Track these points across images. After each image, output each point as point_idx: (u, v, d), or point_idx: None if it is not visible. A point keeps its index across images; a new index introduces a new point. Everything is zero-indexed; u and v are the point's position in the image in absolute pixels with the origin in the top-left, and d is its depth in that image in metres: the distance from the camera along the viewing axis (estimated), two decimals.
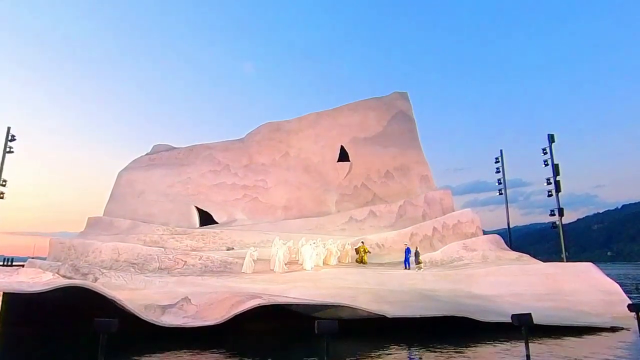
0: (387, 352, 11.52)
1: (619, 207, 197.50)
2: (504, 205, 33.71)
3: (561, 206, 28.62)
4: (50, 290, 12.41)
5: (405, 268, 19.04)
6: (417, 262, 19.18)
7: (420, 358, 11.12)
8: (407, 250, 19.76)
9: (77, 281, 14.08)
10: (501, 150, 33.87)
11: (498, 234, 26.49)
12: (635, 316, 10.51)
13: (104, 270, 17.13)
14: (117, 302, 12.72)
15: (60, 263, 18.87)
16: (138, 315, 12.51)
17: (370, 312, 13.76)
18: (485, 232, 26.55)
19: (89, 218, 27.24)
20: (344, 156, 28.82)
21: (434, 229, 23.68)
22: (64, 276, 16.11)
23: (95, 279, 16.15)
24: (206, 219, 26.47)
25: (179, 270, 18.60)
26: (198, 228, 24.96)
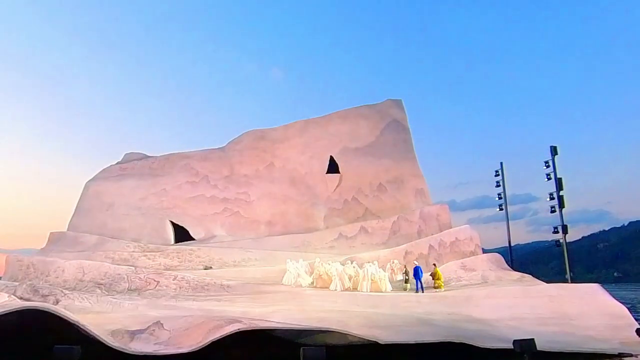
0: None
1: (625, 224, 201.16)
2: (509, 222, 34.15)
3: (569, 223, 29.22)
4: (5, 314, 12.06)
5: (417, 291, 18.70)
6: (436, 283, 19.19)
7: None
8: (417, 270, 19.23)
9: (36, 303, 13.73)
10: (501, 163, 34.40)
11: (501, 252, 26.72)
12: None
13: (67, 291, 16.76)
14: (81, 327, 12.40)
15: (17, 283, 18.42)
16: (104, 341, 12.20)
17: (361, 338, 13.66)
18: (487, 251, 26.77)
19: (51, 233, 26.73)
20: (333, 167, 28.91)
21: (430, 246, 23.79)
22: (21, 298, 15.73)
23: (57, 301, 15.77)
24: (182, 235, 26.18)
25: (150, 291, 18.28)
26: (173, 245, 24.67)
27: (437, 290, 19.05)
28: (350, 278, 19.19)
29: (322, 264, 19.84)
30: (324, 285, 19.23)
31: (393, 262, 21.40)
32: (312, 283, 19.48)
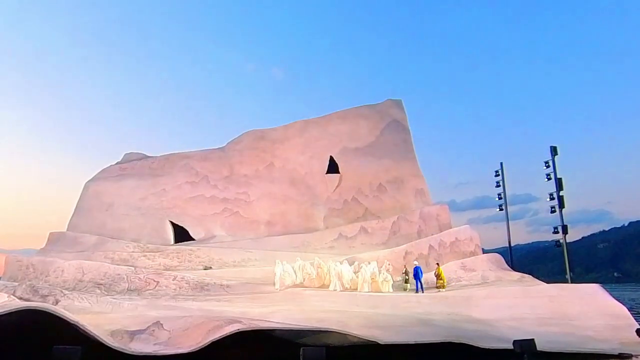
0: None
1: (625, 224, 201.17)
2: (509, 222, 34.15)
3: (569, 223, 29.26)
4: (5, 314, 12.06)
5: (417, 292, 18.69)
6: (438, 282, 19.20)
7: None
8: (417, 270, 19.17)
9: (36, 303, 13.73)
10: (501, 163, 34.38)
11: (501, 252, 26.71)
12: None
13: (66, 292, 16.76)
14: (80, 327, 12.40)
15: (16, 283, 18.42)
16: (103, 342, 12.21)
17: (361, 338, 13.66)
18: (487, 251, 26.76)
19: (50, 233, 26.73)
20: (333, 168, 28.91)
21: (430, 247, 23.77)
22: (20, 298, 15.72)
23: (56, 302, 15.77)
24: (182, 235, 26.18)
25: (150, 291, 18.28)
26: (172, 245, 24.67)
27: (440, 290, 19.05)
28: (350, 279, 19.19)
29: (309, 264, 19.85)
30: (312, 285, 19.28)
31: (389, 265, 21.37)
32: (302, 282, 19.48)
